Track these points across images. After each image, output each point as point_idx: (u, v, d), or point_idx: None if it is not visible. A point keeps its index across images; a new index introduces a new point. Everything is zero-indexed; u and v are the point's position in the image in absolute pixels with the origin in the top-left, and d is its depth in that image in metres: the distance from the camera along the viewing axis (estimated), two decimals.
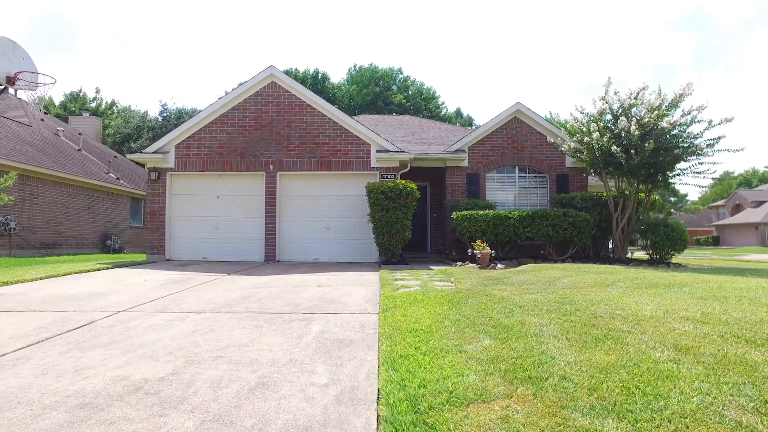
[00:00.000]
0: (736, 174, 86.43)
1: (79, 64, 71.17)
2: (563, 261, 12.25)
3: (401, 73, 53.73)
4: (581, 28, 77.10)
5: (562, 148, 13.22)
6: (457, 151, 14.36)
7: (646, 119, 11.38)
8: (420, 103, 50.48)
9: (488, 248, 10.67)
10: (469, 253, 11.29)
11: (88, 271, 9.19)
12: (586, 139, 12.05)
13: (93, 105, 46.78)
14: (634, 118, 11.37)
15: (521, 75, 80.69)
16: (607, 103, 12.32)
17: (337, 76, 52.33)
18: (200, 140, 13.08)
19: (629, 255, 13.66)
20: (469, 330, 4.04)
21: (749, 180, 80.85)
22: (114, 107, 48.84)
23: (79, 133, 23.78)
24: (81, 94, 46.47)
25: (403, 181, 11.61)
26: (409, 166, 13.35)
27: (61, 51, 69.21)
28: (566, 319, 4.37)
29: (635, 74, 74.93)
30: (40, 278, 7.85)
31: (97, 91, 48.00)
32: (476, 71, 79.56)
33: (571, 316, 4.48)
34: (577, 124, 13.00)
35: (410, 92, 52.72)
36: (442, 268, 10.68)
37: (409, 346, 3.55)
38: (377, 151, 12.71)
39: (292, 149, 12.95)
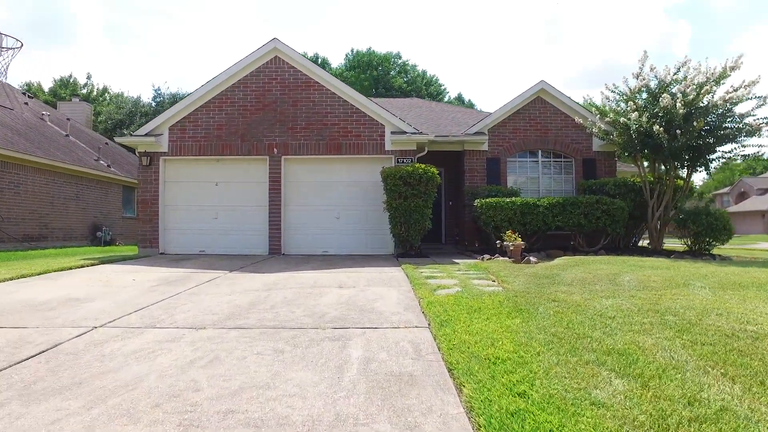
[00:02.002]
0: (738, 161, 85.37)
1: (71, 50, 69.13)
2: (595, 253, 11.17)
3: (400, 57, 52.15)
4: (578, 15, 75.39)
5: (593, 130, 12.07)
6: (476, 133, 13.19)
7: (691, 96, 10.23)
8: (421, 88, 49.01)
9: (520, 239, 9.56)
10: (498, 245, 10.18)
11: (69, 269, 8.04)
12: (622, 119, 10.89)
13: (84, 91, 45.14)
14: (679, 94, 10.20)
15: (519, 61, 79.06)
16: (643, 80, 11.14)
17: (335, 62, 50.73)
18: (196, 121, 11.86)
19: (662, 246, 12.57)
20: (574, 359, 2.92)
21: (752, 167, 79.92)
22: (106, 93, 47.23)
23: (67, 119, 22.43)
24: (71, 80, 44.82)
25: (422, 166, 10.46)
26: (426, 149, 12.18)
27: (53, 37, 67.16)
28: (690, 340, 3.27)
29: (632, 62, 73.53)
30: (10, 279, 6.69)
31: (89, 77, 46.39)
32: (475, 57, 77.92)
33: (690, 335, 3.38)
34: (609, 103, 11.83)
35: (410, 76, 51.23)
36: (469, 261, 9.58)
37: (510, 392, 2.43)
38: (392, 133, 11.53)
39: (298, 131, 11.75)
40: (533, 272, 7.09)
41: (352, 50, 50.94)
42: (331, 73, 49.27)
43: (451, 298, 5.09)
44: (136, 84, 75.97)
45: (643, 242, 13.76)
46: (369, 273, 7.71)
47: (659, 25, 73.17)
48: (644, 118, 10.43)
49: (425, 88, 49.28)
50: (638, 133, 10.84)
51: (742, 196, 56.25)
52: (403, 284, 6.47)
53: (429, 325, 4.05)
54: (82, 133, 21.62)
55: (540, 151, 13.68)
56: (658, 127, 10.03)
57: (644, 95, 11.36)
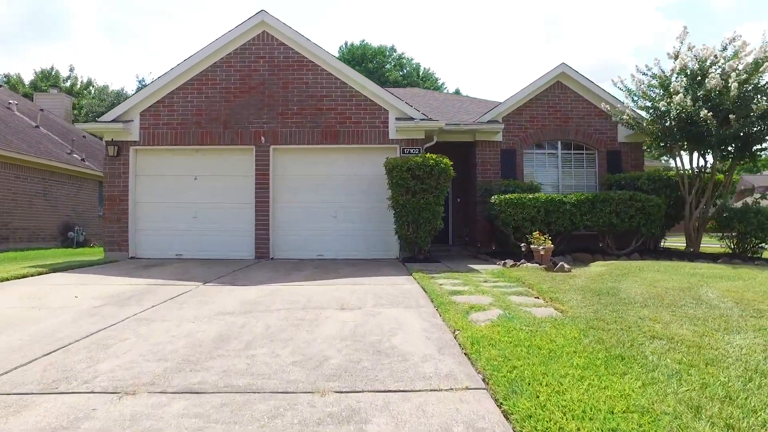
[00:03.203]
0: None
1: (69, 48, 66.86)
2: (628, 256, 9.79)
3: (395, 51, 50.55)
4: (573, 12, 74.20)
5: (622, 118, 10.65)
6: (490, 122, 11.75)
7: (744, 76, 8.86)
8: (418, 82, 47.47)
9: (549, 241, 8.14)
10: (524, 248, 8.75)
11: (4, 280, 6.50)
12: (662, 103, 9.48)
13: (67, 84, 43.23)
14: (732, 73, 8.81)
15: (517, 59, 77.69)
16: (683, 60, 9.73)
17: None
18: (172, 106, 10.32)
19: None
20: None
21: None
22: (91, 87, 45.27)
23: (41, 110, 20.76)
24: (53, 73, 42.86)
25: (433, 156, 9.01)
26: (434, 139, 10.72)
27: (48, 35, 64.80)
28: None
29: (627, 60, 72.55)
30: None
31: (71, 69, 44.43)
32: (472, 54, 76.43)
33: None
34: (642, 87, 10.43)
35: (406, 71, 49.69)
36: (490, 267, 8.15)
37: None
38: (397, 119, 10.06)
39: (289, 117, 10.25)
40: (581, 285, 5.66)
41: (345, 43, 49.24)
42: None
43: (498, 329, 3.64)
44: (125, 76, 73.83)
45: (664, 243, 12.45)
46: (375, 285, 6.24)
47: (653, 23, 72.17)
48: (688, 101, 9.03)
49: (422, 83, 47.75)
50: (678, 120, 9.46)
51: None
52: (423, 303, 5.02)
53: (487, 383, 2.61)
54: (56, 125, 19.96)
55: (560, 142, 12.28)
56: (706, 111, 8.63)
57: (681, 78, 9.96)
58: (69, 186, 16.66)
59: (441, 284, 6.08)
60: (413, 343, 3.49)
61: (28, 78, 42.36)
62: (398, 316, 4.40)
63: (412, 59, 50.91)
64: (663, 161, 22.16)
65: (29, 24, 62.02)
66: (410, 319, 4.25)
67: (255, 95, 10.30)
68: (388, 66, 48.29)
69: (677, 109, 9.23)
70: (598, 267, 7.71)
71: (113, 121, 10.07)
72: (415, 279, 6.76)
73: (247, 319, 4.29)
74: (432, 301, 5.03)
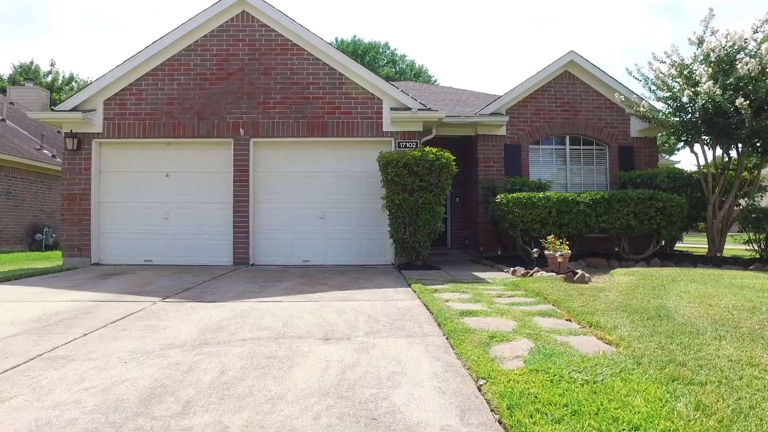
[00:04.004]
0: None
1: (36, 35, 64.92)
2: (647, 262, 8.84)
3: (388, 47, 49.51)
4: (564, 12, 73.62)
5: (639, 110, 9.71)
6: (493, 114, 10.76)
7: None
8: (411, 80, 46.50)
9: (566, 247, 7.16)
10: (536, 254, 7.75)
11: None
12: (686, 92, 8.53)
13: (48, 79, 41.66)
14: None
15: (504, 59, 76.83)
16: (709, 45, 8.78)
17: None
18: (140, 93, 9.20)
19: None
20: None
21: None
22: (73, 82, 43.71)
23: (11, 103, 19.50)
24: (33, 67, 41.28)
25: (434, 150, 8.00)
26: (433, 131, 9.71)
27: (19, 25, 62.77)
28: None
29: (616, 60, 72.14)
30: None
31: (52, 64, 42.99)
32: (462, 52, 75.40)
33: None
34: (661, 75, 9.48)
35: (399, 67, 48.66)
36: (498, 276, 7.15)
37: None
38: (392, 109, 9.03)
39: (271, 106, 9.18)
40: (618, 302, 4.66)
41: (336, 39, 48.09)
42: None
43: (539, 378, 2.63)
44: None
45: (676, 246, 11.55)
46: (369, 302, 5.20)
47: (641, 23, 71.75)
48: (717, 89, 8.09)
49: (415, 79, 46.77)
50: (703, 110, 8.54)
51: None
52: (428, 328, 4.00)
53: None
54: (26, 119, 18.67)
55: (568, 137, 11.31)
56: (742, 100, 7.69)
57: (704, 66, 9.03)
58: (38, 184, 15.43)
59: (447, 300, 5.06)
60: (423, 400, 2.47)
61: (6, 72, 40.78)
62: (399, 351, 3.36)
63: (405, 56, 49.94)
64: (664, 157, 21.36)
65: (8, 17, 60.12)
66: (415, 357, 3.22)
67: (233, 82, 9.22)
68: (381, 62, 47.22)
69: (703, 99, 8.29)
70: (622, 276, 6.73)
71: (72, 110, 8.92)
72: (415, 292, 5.74)
73: (199, 357, 3.24)
74: (439, 326, 4.01)
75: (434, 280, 6.84)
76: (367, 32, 70.82)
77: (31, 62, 41.49)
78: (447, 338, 3.66)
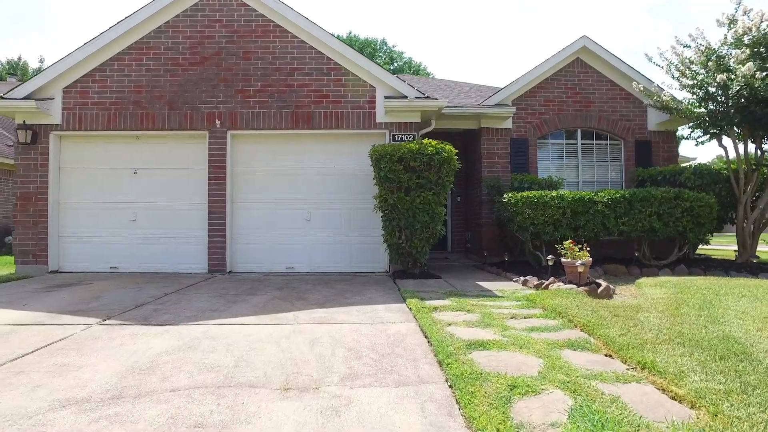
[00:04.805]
0: None
1: (27, 32, 63.78)
2: (671, 269, 7.90)
3: (385, 44, 48.47)
4: (565, 11, 72.72)
5: (661, 98, 8.74)
6: (498, 105, 9.77)
7: None
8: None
9: (587, 254, 6.17)
10: (549, 261, 6.76)
11: None
12: (720, 77, 7.55)
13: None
14: None
15: (503, 59, 75.78)
16: (744, 25, 7.79)
17: None
18: (104, 80, 8.21)
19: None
20: None
21: None
22: None
23: None
24: (21, 63, 40.25)
25: (433, 142, 7.02)
26: (432, 123, 8.72)
27: (9, 21, 61.57)
28: None
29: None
30: None
31: (41, 61, 41.79)
32: (463, 52, 74.37)
33: None
34: (686, 62, 8.51)
35: (397, 64, 47.64)
36: (507, 287, 6.18)
37: None
38: (387, 98, 8.04)
39: (251, 95, 8.20)
40: (668, 328, 3.69)
41: (332, 34, 47.14)
42: None
43: None
44: None
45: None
46: (352, 327, 4.21)
47: (641, 23, 70.91)
48: (758, 74, 7.12)
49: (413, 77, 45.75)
50: (738, 98, 7.58)
51: None
52: (426, 371, 3.02)
53: None
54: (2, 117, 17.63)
55: (579, 130, 10.33)
56: None
57: (728, 51, 8.06)
58: (9, 183, 14.43)
59: (449, 324, 4.08)
60: None
61: None
62: (384, 413, 2.38)
63: (403, 53, 48.94)
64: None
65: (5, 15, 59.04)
66: (407, 425, 2.24)
67: (209, 68, 8.23)
68: (377, 59, 46.21)
69: (739, 84, 7.32)
70: (653, 288, 5.76)
71: (25, 98, 7.92)
72: (410, 310, 4.76)
73: (98, 426, 2.26)
74: (441, 366, 3.03)
75: (434, 292, 5.86)
76: (364, 28, 69.78)
77: (19, 58, 40.47)
78: (452, 387, 2.68)
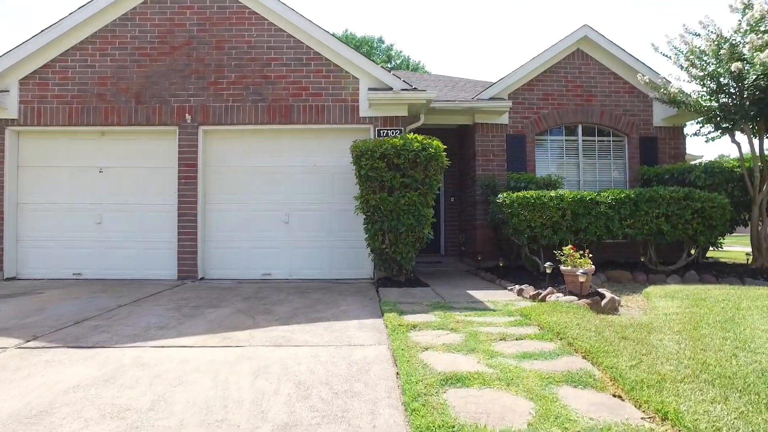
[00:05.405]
0: None
1: None
2: (681, 276, 7.28)
3: (383, 42, 47.81)
4: (565, 11, 72.13)
5: (669, 90, 8.12)
6: (493, 98, 9.14)
7: None
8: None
9: (589, 261, 5.53)
10: (547, 269, 6.11)
11: None
12: (736, 65, 6.91)
13: None
14: None
15: (503, 58, 75.20)
16: (763, 7, 7.14)
17: None
18: (66, 71, 7.59)
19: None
20: None
21: None
22: None
23: None
24: None
25: (419, 137, 6.39)
26: (421, 117, 8.09)
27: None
28: None
29: None
30: None
31: None
32: (462, 51, 73.75)
33: None
34: (697, 51, 7.87)
35: (395, 63, 47.01)
36: (499, 297, 5.54)
37: None
38: (371, 90, 7.40)
39: (224, 87, 7.57)
40: (688, 357, 3.05)
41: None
42: None
43: None
44: None
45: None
46: (311, 350, 3.56)
47: (641, 22, 70.30)
48: None
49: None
50: (754, 88, 6.95)
51: None
52: (385, 419, 2.38)
53: None
54: None
55: (580, 126, 9.69)
56: None
57: (750, 36, 7.42)
58: None
59: (426, 348, 3.44)
60: None
61: None
62: None
63: (401, 52, 48.31)
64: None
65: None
66: None
67: (179, 58, 7.60)
68: (375, 58, 45.57)
69: (756, 73, 6.68)
70: (663, 301, 5.13)
71: None
72: (386, 327, 4.13)
73: None
74: (407, 412, 2.39)
75: (417, 304, 5.23)
76: (361, 26, 69.16)
77: None
78: None
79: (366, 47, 43.94)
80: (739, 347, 3.21)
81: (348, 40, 42.93)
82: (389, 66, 46.07)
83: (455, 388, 2.64)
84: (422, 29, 71.11)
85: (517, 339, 3.67)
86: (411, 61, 48.15)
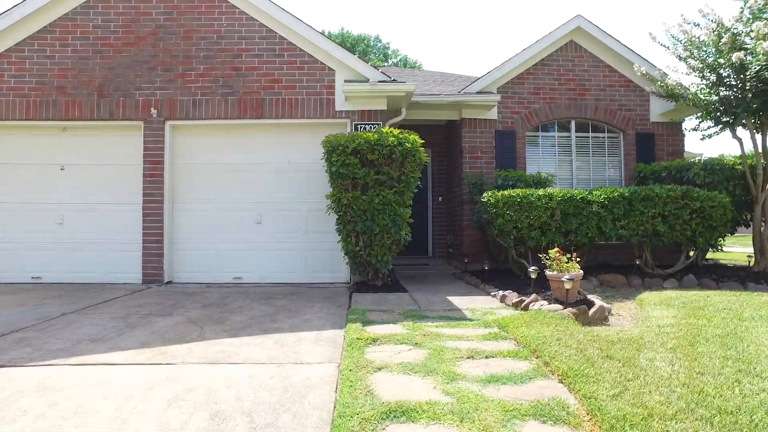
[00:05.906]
0: None
1: None
2: (679, 280, 6.84)
3: (379, 41, 47.32)
4: (565, 11, 71.67)
5: (666, 83, 7.66)
6: (481, 92, 8.67)
7: None
8: None
9: (577, 265, 5.06)
10: (532, 273, 5.62)
11: None
12: (737, 55, 6.45)
13: None
14: None
15: (503, 56, 74.61)
16: None
17: None
18: (22, 62, 7.13)
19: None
20: None
21: None
22: None
23: None
24: None
25: (395, 131, 5.92)
26: (402, 112, 7.62)
27: None
28: None
29: None
30: None
31: None
32: (461, 51, 73.25)
33: None
34: (696, 41, 7.41)
35: (392, 61, 46.57)
36: (479, 305, 5.08)
37: None
38: (347, 81, 6.94)
39: (192, 80, 7.11)
40: (682, 383, 2.60)
41: (323, 31, 46.06)
42: None
43: None
44: None
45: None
46: (249, 370, 3.10)
47: (641, 19, 69.69)
48: None
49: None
50: (757, 80, 6.49)
51: None
52: None
53: None
54: None
55: (573, 122, 9.22)
56: None
57: (755, 24, 6.95)
58: None
59: (380, 368, 2.99)
60: None
61: None
62: None
63: (398, 50, 47.84)
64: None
65: None
66: None
67: (144, 49, 7.15)
68: (371, 56, 45.11)
69: (759, 63, 6.22)
70: (658, 309, 4.66)
71: None
72: (345, 340, 3.67)
73: None
74: None
75: (389, 312, 4.77)
76: (357, 25, 68.60)
77: None
78: None
79: (362, 46, 43.49)
80: (742, 370, 2.74)
81: (344, 38, 42.45)
82: (386, 64, 45.65)
83: (397, 424, 2.19)
84: (419, 28, 70.58)
85: (486, 357, 3.21)
86: (408, 59, 47.69)
